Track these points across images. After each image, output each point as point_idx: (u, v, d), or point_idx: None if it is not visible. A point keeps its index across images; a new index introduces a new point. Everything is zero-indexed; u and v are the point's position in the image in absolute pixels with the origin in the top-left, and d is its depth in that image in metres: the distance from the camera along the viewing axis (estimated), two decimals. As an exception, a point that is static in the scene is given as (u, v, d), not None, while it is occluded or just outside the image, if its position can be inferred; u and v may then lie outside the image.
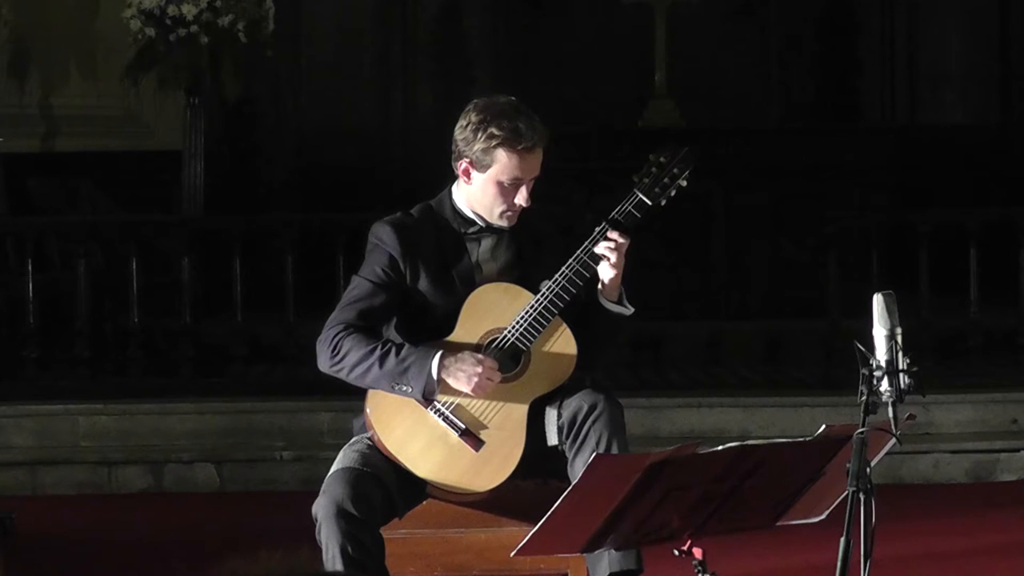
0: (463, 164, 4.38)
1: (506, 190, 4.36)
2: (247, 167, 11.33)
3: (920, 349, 7.27)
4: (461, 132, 4.37)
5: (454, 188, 4.47)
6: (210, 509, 7.58)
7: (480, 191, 4.38)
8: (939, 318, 8.61)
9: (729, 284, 10.08)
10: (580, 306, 4.38)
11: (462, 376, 4.23)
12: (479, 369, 4.22)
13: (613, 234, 4.33)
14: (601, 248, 4.32)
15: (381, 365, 4.24)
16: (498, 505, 4.32)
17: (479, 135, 4.32)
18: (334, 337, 4.29)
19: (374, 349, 4.26)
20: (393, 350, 4.25)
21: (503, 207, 4.38)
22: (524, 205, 4.36)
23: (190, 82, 9.92)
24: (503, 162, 4.33)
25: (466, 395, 4.27)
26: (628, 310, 4.40)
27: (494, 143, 4.31)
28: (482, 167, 4.35)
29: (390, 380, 4.25)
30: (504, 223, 4.40)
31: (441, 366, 4.23)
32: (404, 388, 4.25)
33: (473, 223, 4.43)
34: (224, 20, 9.73)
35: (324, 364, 4.32)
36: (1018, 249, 8.55)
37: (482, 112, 4.35)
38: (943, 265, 8.55)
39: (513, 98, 4.42)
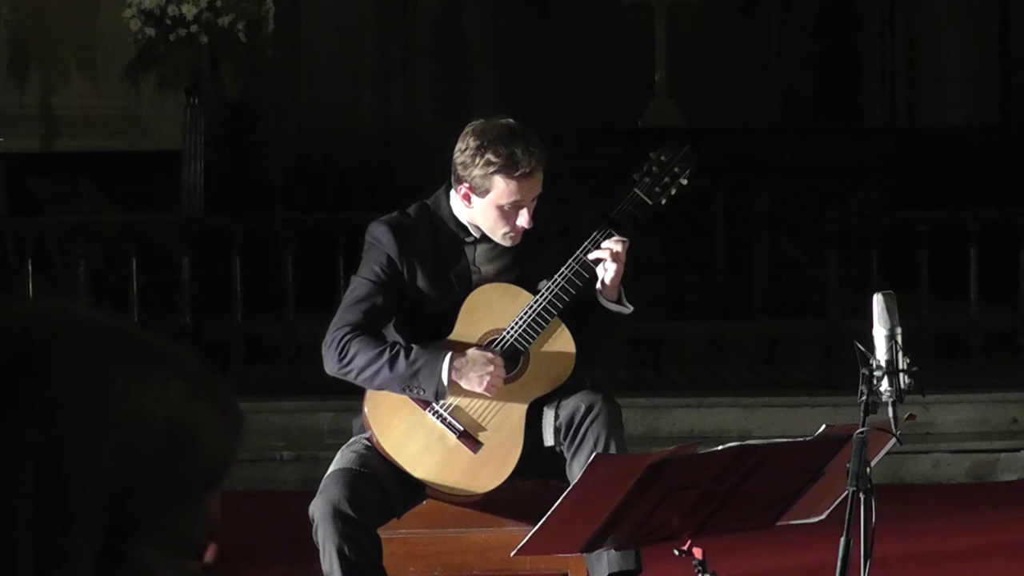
0: (463, 189, 4.33)
1: (507, 213, 4.32)
2: (247, 167, 11.31)
3: (920, 349, 7.26)
4: (459, 156, 4.32)
5: (452, 194, 4.43)
6: (210, 509, 7.56)
7: (481, 214, 4.35)
8: (939, 318, 8.59)
9: (729, 284, 10.06)
10: (578, 304, 4.37)
11: (474, 377, 4.22)
12: (490, 369, 4.22)
13: (613, 235, 4.32)
14: (601, 249, 4.31)
15: (391, 368, 4.22)
16: (498, 505, 4.32)
17: (477, 160, 4.27)
18: (340, 340, 4.27)
19: (383, 351, 4.24)
20: (402, 352, 4.24)
21: (505, 229, 4.34)
22: (526, 226, 4.33)
23: (190, 82, 9.92)
24: (501, 188, 4.28)
25: (471, 396, 4.27)
26: (627, 309, 4.39)
27: (492, 170, 4.27)
28: (482, 192, 4.31)
29: (401, 383, 4.23)
30: (507, 243, 4.37)
31: (452, 368, 4.22)
32: (417, 391, 4.25)
33: (470, 233, 4.41)
34: (224, 20, 9.72)
35: (332, 367, 4.29)
36: (1018, 249, 8.54)
37: (479, 137, 4.29)
38: (943, 265, 8.53)
39: (511, 120, 4.36)
